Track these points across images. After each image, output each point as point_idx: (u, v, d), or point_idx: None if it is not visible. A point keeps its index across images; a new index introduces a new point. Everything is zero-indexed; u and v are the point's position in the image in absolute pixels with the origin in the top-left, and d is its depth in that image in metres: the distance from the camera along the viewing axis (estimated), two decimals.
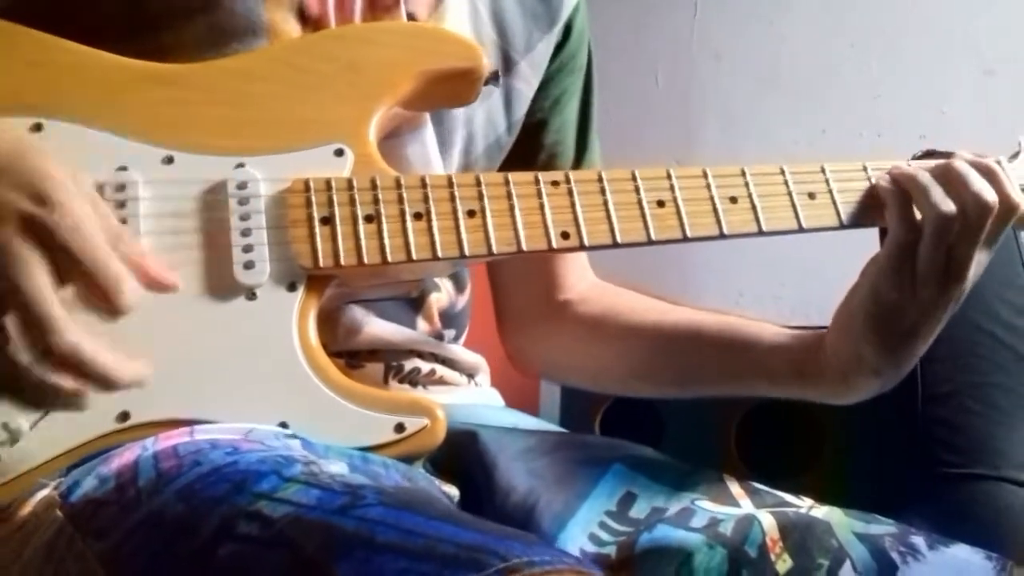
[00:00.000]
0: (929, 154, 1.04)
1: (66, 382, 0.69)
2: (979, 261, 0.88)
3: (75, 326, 0.69)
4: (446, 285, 1.02)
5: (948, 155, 0.93)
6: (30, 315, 0.68)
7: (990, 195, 0.86)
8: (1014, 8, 2.33)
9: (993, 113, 2.11)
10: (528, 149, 1.05)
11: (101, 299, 0.71)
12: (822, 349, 0.93)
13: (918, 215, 0.88)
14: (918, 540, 0.80)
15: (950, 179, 0.87)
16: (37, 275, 0.68)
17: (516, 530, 0.61)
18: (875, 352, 0.89)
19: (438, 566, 0.55)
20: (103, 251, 0.70)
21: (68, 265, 0.69)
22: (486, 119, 1.00)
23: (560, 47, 1.05)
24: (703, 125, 2.47)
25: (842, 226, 0.91)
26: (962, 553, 0.80)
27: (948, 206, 0.85)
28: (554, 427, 1.08)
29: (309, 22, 0.87)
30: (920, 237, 0.86)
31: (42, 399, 0.71)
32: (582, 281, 1.12)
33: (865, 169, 0.93)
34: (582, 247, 0.84)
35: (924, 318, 0.88)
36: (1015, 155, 0.99)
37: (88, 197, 0.71)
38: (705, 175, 0.89)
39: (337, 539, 0.57)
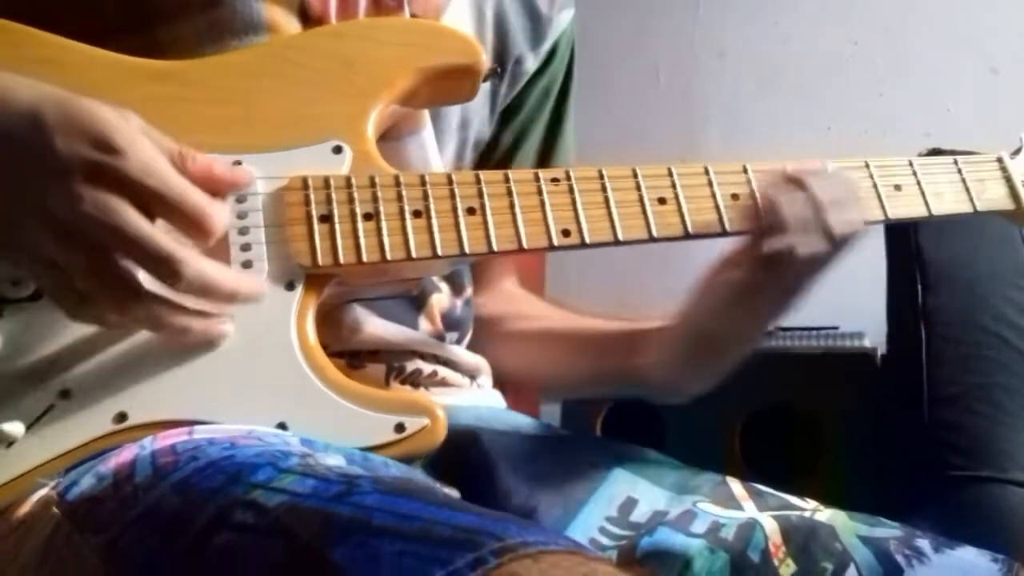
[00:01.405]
0: (934, 152, 1.04)
1: (197, 306, 0.72)
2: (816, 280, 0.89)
3: (195, 252, 0.70)
4: (443, 287, 1.01)
5: (954, 153, 0.94)
6: (146, 253, 0.68)
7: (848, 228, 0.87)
8: (1019, 6, 2.33)
9: (998, 111, 2.10)
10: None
11: (193, 228, 0.71)
12: (652, 348, 0.97)
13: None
14: (923, 543, 0.79)
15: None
16: (132, 216, 0.68)
17: (512, 515, 0.61)
18: (698, 357, 0.94)
19: (434, 547, 0.55)
20: (179, 183, 0.70)
21: (150, 204, 0.69)
22: (479, 124, 1.00)
23: (540, 72, 1.06)
24: (706, 124, 2.47)
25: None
26: (968, 555, 0.80)
27: (808, 249, 0.86)
28: (555, 428, 1.07)
29: (311, 21, 0.87)
30: (777, 277, 0.87)
31: (183, 321, 0.72)
32: (502, 280, 1.15)
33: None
34: (583, 245, 0.84)
35: (752, 331, 0.93)
36: (1016, 151, 0.99)
37: (139, 127, 0.71)
38: (707, 172, 0.88)
39: (333, 525, 0.58)
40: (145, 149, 0.69)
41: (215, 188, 0.73)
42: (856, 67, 2.44)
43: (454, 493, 0.86)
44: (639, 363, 0.98)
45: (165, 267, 0.69)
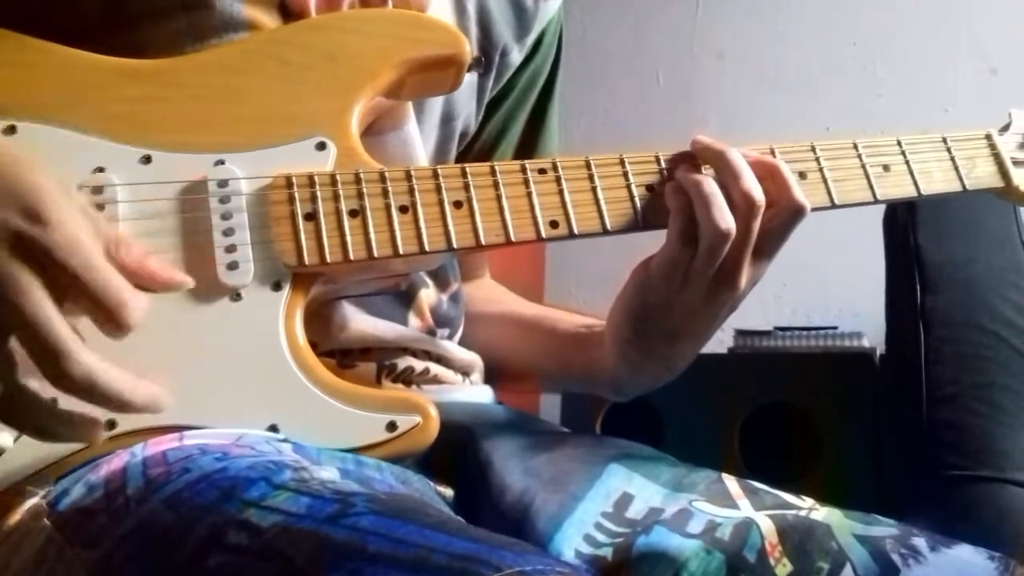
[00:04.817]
0: None
1: (77, 407, 0.67)
2: (756, 267, 0.86)
3: (86, 349, 0.66)
4: (429, 282, 1.01)
5: None
6: (37, 340, 0.65)
7: (758, 195, 0.84)
8: (1019, 7, 2.33)
9: (996, 112, 2.10)
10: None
11: (106, 318, 0.67)
12: (602, 347, 0.96)
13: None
14: (919, 541, 0.79)
15: (722, 172, 0.85)
16: (39, 297, 0.65)
17: (509, 538, 0.61)
18: (638, 352, 0.92)
19: None
20: (103, 268, 0.67)
21: (68, 283, 0.66)
22: (465, 118, 1.00)
23: (526, 62, 1.05)
24: (705, 124, 2.47)
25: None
26: (964, 554, 0.79)
27: (726, 223, 0.83)
28: (551, 424, 1.07)
29: (292, 17, 0.86)
30: (696, 253, 0.84)
31: (49, 424, 0.68)
32: (482, 272, 1.17)
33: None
34: (572, 235, 0.84)
35: (689, 321, 0.88)
36: (1005, 127, 0.99)
37: (78, 207, 0.68)
38: (694, 159, 0.88)
39: (327, 549, 0.57)
40: (75, 226, 0.66)
41: (145, 283, 0.70)
42: (854, 67, 2.44)
43: (449, 492, 0.86)
44: (589, 353, 0.98)
45: (52, 359, 0.65)
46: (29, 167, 0.68)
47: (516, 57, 1.03)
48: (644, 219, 0.86)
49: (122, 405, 0.68)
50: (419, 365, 0.95)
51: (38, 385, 0.66)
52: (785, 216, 0.85)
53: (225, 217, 0.78)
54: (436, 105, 0.96)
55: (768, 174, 0.86)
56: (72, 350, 0.65)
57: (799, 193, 0.85)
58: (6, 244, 0.65)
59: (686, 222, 0.84)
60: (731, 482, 0.87)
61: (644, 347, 0.92)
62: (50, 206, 0.66)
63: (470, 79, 0.97)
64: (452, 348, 1.00)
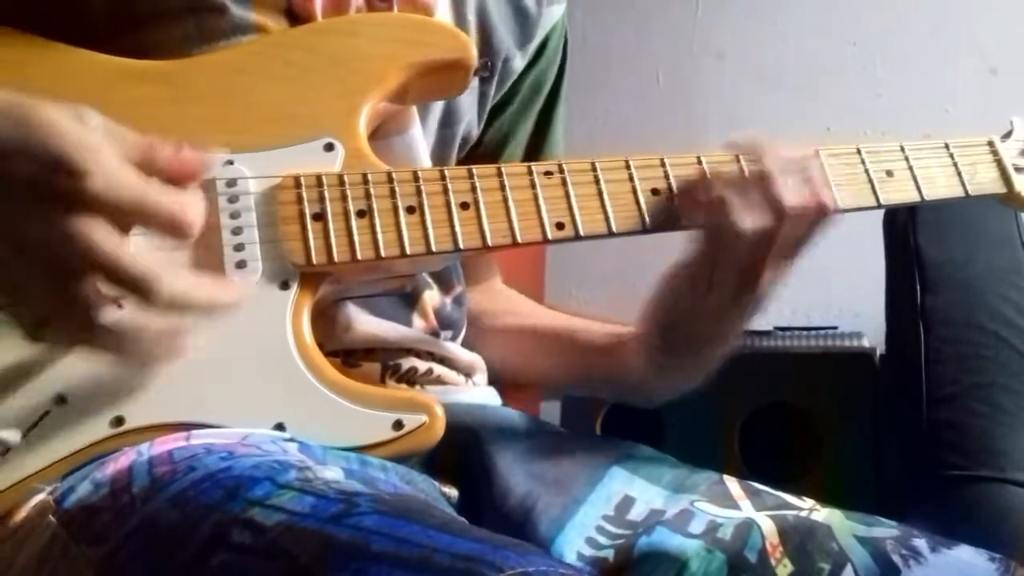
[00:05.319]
0: None
1: (173, 326, 0.69)
2: (780, 269, 0.87)
3: (170, 269, 0.67)
4: (433, 285, 1.01)
5: None
6: (119, 276, 0.65)
7: (788, 198, 0.84)
8: (1019, 6, 2.33)
9: (997, 112, 2.10)
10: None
11: (171, 231, 0.68)
12: (628, 355, 0.97)
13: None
14: (920, 542, 0.79)
15: (752, 174, 0.85)
16: (101, 237, 0.65)
17: (512, 539, 0.61)
18: (667, 357, 0.93)
19: None
20: (149, 192, 0.66)
21: (122, 218, 0.66)
22: (467, 123, 1.01)
23: (529, 67, 1.06)
24: (705, 125, 2.47)
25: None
26: (965, 555, 0.80)
27: (751, 224, 0.83)
28: (553, 426, 1.07)
29: (298, 21, 0.87)
30: (720, 255, 0.85)
31: (142, 346, 0.69)
32: (490, 277, 1.17)
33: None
34: (577, 237, 0.84)
35: (715, 325, 0.90)
36: (1007, 134, 0.99)
37: (101, 129, 0.67)
38: (699, 162, 0.88)
39: (331, 549, 0.58)
40: (108, 162, 0.65)
41: (187, 173, 0.70)
42: (855, 67, 2.44)
43: (453, 492, 0.86)
44: (617, 362, 0.99)
45: (140, 287, 0.66)
46: (37, 107, 0.66)
47: (518, 64, 1.03)
48: (649, 221, 0.86)
49: (211, 308, 0.70)
50: (422, 366, 0.96)
51: (123, 315, 0.67)
52: (812, 218, 0.85)
53: (234, 216, 0.79)
54: (436, 108, 0.97)
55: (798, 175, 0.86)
56: (157, 273, 0.66)
57: (827, 195, 0.86)
58: (50, 203, 0.64)
59: (711, 223, 0.85)
60: (732, 483, 0.88)
61: (672, 352, 0.93)
62: (76, 152, 0.65)
63: (472, 84, 0.98)
64: (455, 349, 1.00)
